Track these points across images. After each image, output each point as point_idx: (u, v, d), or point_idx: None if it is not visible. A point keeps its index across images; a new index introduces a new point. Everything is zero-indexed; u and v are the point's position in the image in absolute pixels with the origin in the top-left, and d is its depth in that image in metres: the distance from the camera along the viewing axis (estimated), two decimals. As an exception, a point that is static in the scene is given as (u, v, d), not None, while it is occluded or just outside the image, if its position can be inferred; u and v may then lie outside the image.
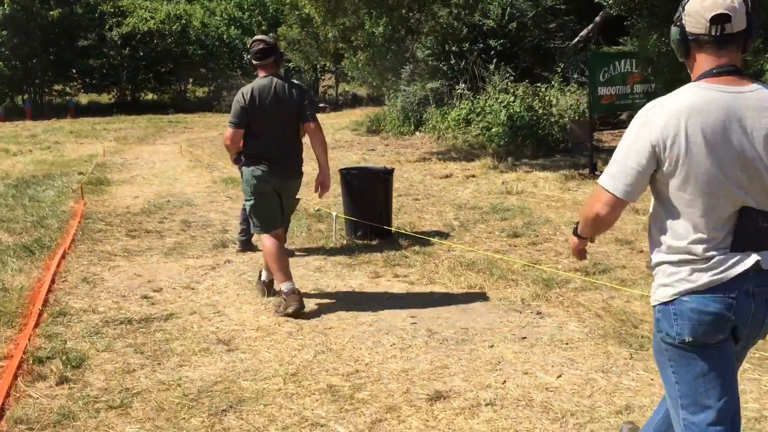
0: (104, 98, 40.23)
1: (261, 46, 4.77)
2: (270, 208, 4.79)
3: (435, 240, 6.46)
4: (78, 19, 36.35)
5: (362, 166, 7.83)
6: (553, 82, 16.16)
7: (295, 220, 7.68)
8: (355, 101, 36.87)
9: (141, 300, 5.05)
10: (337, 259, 6.08)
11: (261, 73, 4.77)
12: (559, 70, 16.09)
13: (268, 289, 5.06)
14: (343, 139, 20.07)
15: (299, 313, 4.54)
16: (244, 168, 4.80)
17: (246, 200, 4.88)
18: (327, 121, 27.34)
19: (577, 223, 2.30)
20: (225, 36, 36.91)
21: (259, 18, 36.01)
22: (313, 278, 5.54)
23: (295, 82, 4.97)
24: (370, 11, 12.53)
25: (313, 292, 5.16)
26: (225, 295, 5.15)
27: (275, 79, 4.71)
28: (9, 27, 33.08)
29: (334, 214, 6.82)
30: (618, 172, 2.06)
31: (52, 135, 23.68)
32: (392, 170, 6.83)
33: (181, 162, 15.56)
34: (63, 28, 35.11)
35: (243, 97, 4.65)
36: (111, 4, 40.04)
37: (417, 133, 19.46)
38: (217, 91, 38.80)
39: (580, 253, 2.39)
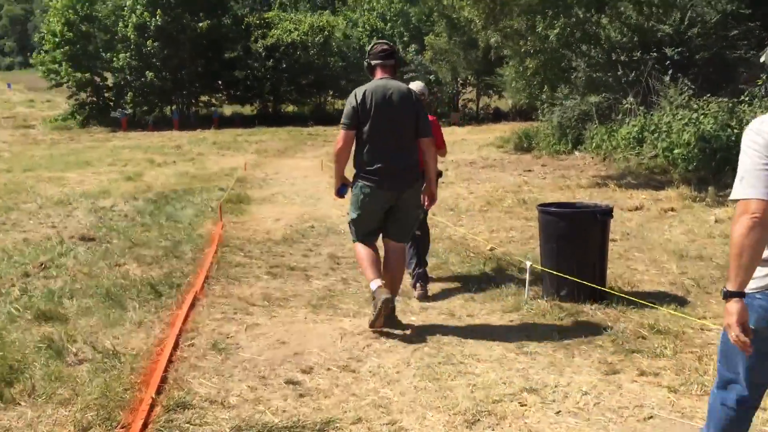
0: (247, 109, 40.80)
1: (384, 47, 4.66)
2: (371, 225, 4.64)
3: (672, 310, 4.70)
4: (225, 31, 36.97)
5: (567, 203, 6.14)
6: (744, 97, 13.74)
7: (471, 265, 6.19)
8: (497, 116, 35.07)
9: (285, 387, 3.68)
10: (543, 333, 4.47)
11: (378, 74, 4.56)
12: (761, 82, 13.62)
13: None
14: (490, 156, 18.42)
15: (388, 308, 4.37)
16: (355, 181, 4.57)
17: (350, 211, 4.69)
18: (469, 136, 25.77)
19: (725, 287, 2.22)
20: (367, 47, 36.28)
21: (401, 29, 35.06)
22: (520, 367, 3.93)
23: (412, 88, 4.68)
24: (544, 11, 10.83)
25: (526, 395, 3.57)
26: (398, 388, 3.68)
27: (392, 82, 4.50)
28: (160, 38, 34.03)
29: (528, 263, 5.23)
30: (754, 180, 2.15)
31: (196, 146, 23.68)
32: (611, 210, 5.14)
33: (322, 179, 14.55)
34: (211, 40, 35.77)
35: (355, 97, 4.43)
36: (257, 16, 40.60)
37: (576, 152, 17.46)
38: (356, 103, 37.95)
39: (746, 331, 2.17)
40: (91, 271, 6.32)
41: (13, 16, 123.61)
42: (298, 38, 36.86)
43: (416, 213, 4.76)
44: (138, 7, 34.43)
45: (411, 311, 5.03)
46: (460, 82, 34.63)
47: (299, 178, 14.70)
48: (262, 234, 8.38)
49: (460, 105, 35.91)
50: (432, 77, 33.01)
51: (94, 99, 36.56)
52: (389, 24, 35.79)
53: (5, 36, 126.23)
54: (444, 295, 5.50)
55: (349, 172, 4.73)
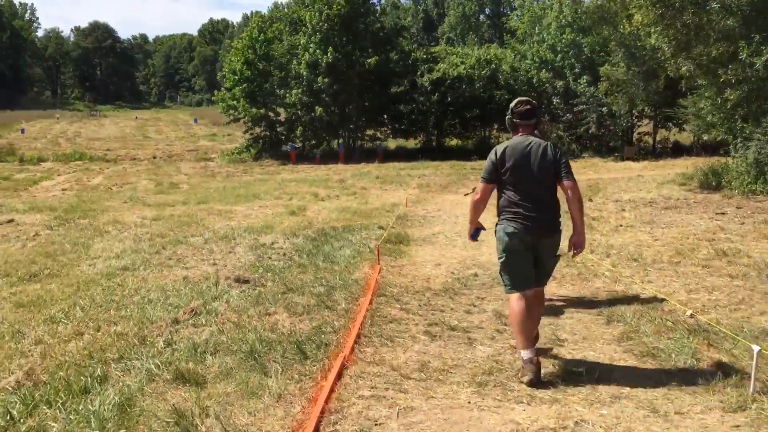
0: (411, 143, 40.90)
1: (528, 107, 4.84)
2: (521, 268, 4.68)
3: None
4: (393, 66, 37.37)
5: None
6: None
7: (670, 337, 5.10)
8: (677, 150, 32.38)
9: (444, 508, 2.90)
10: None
11: (519, 132, 4.83)
12: None
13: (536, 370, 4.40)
14: (672, 195, 16.60)
15: (534, 384, 4.28)
16: (497, 226, 4.81)
17: (498, 258, 4.81)
18: (646, 172, 23.78)
19: None
20: (534, 80, 35.04)
21: (572, 60, 33.51)
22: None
23: (550, 143, 4.80)
24: (749, 36, 9.36)
25: None
26: None
27: (531, 138, 4.74)
28: (330, 74, 34.97)
29: (756, 349, 4.09)
30: None
31: (360, 180, 23.74)
32: None
33: (486, 218, 13.70)
34: (379, 75, 36.28)
35: (495, 154, 4.73)
36: (424, 50, 40.76)
37: (777, 193, 15.27)
38: (522, 136, 36.69)
39: None
40: (240, 320, 5.95)
41: (204, 56, 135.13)
42: (465, 72, 36.40)
43: (554, 260, 4.91)
44: (311, 45, 35.70)
45: (599, 400, 4.07)
46: (636, 114, 32.40)
47: (461, 216, 13.94)
48: (420, 281, 7.73)
49: (634, 138, 33.61)
50: (605, 110, 31.17)
51: (268, 133, 38.26)
52: (560, 55, 34.35)
53: (197, 75, 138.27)
54: (640, 378, 4.47)
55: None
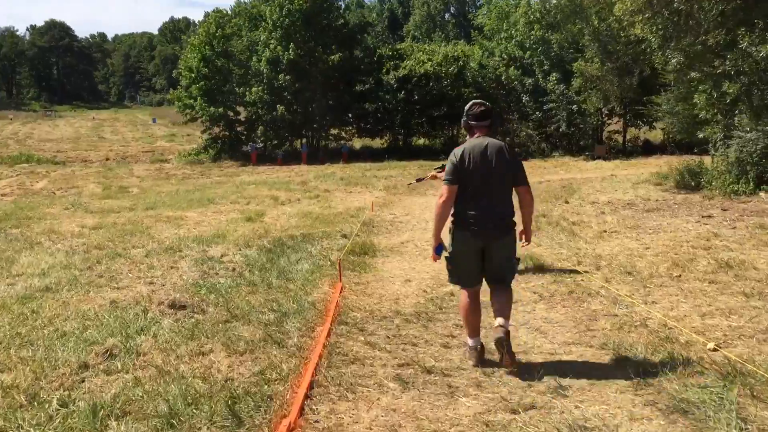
0: (377, 143, 39.82)
1: (482, 108, 4.89)
2: (467, 267, 4.88)
3: None
4: (357, 64, 36.25)
5: None
6: None
7: (698, 382, 4.07)
8: (647, 149, 31.89)
9: None
10: None
11: (475, 133, 4.87)
12: None
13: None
14: (650, 196, 15.79)
15: (477, 366, 4.69)
16: (451, 227, 4.89)
17: (446, 254, 4.95)
18: (619, 172, 23.07)
19: None
20: (503, 77, 34.20)
21: (541, 57, 32.76)
22: None
23: (505, 144, 4.84)
24: (753, 22, 8.45)
25: None
26: None
27: (488, 139, 4.79)
28: (292, 72, 33.69)
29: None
30: None
31: (323, 182, 22.60)
32: None
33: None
34: (343, 72, 35.14)
35: (455, 155, 4.78)
36: (389, 47, 39.71)
37: (761, 193, 14.55)
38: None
39: None
40: (164, 364, 4.79)
41: (165, 55, 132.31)
42: (431, 69, 35.42)
43: (510, 264, 4.87)
44: (272, 41, 34.40)
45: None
46: (606, 112, 31.79)
47: (431, 221, 12.88)
48: (388, 303, 6.68)
49: (604, 137, 33.02)
50: (575, 107, 30.49)
51: (227, 133, 36.83)
52: (528, 52, 33.58)
53: (157, 74, 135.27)
54: (675, 449, 3.43)
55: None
